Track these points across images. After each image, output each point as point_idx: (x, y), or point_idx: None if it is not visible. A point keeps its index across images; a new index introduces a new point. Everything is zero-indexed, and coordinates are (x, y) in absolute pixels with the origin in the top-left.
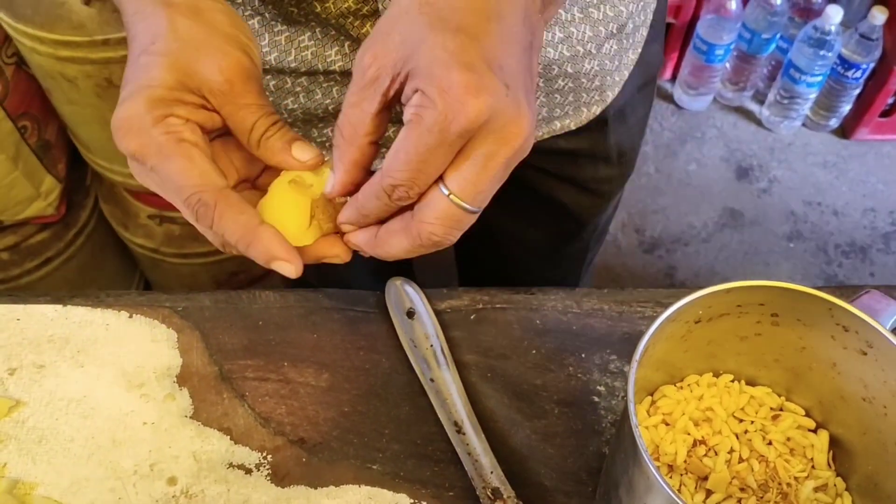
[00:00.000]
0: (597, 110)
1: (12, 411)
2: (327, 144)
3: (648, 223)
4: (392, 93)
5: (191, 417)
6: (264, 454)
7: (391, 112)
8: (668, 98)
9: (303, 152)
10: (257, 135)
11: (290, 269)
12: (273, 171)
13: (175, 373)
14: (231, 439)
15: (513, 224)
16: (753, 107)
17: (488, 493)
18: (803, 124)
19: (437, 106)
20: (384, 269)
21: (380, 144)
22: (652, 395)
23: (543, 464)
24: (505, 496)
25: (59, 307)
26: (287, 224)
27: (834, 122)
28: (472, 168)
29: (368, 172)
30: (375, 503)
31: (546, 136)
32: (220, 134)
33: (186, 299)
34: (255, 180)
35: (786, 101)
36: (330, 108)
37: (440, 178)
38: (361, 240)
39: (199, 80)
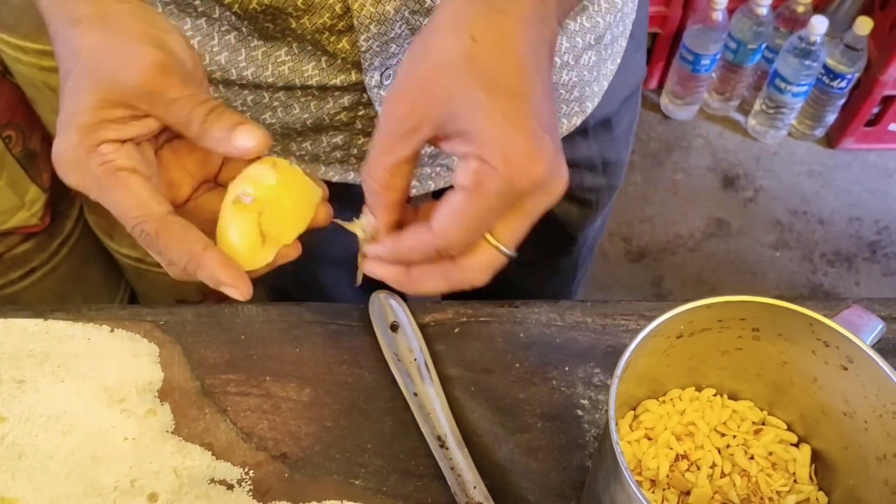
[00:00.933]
0: (577, 121)
1: None
2: (306, 158)
3: (635, 232)
4: (426, 142)
5: (172, 433)
6: (246, 470)
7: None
8: (655, 108)
9: (244, 138)
10: (196, 127)
11: (237, 293)
12: (233, 161)
13: (156, 388)
14: (213, 455)
15: None
16: (739, 116)
17: None
18: (789, 134)
19: (501, 174)
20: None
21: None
22: (634, 409)
23: (526, 478)
24: None
25: (39, 321)
26: (236, 247)
27: (819, 132)
28: (521, 221)
29: (404, 208)
30: None
31: None
32: (169, 139)
33: (168, 313)
34: (217, 177)
35: (771, 111)
36: (308, 122)
37: None
38: (390, 275)
39: (120, 90)
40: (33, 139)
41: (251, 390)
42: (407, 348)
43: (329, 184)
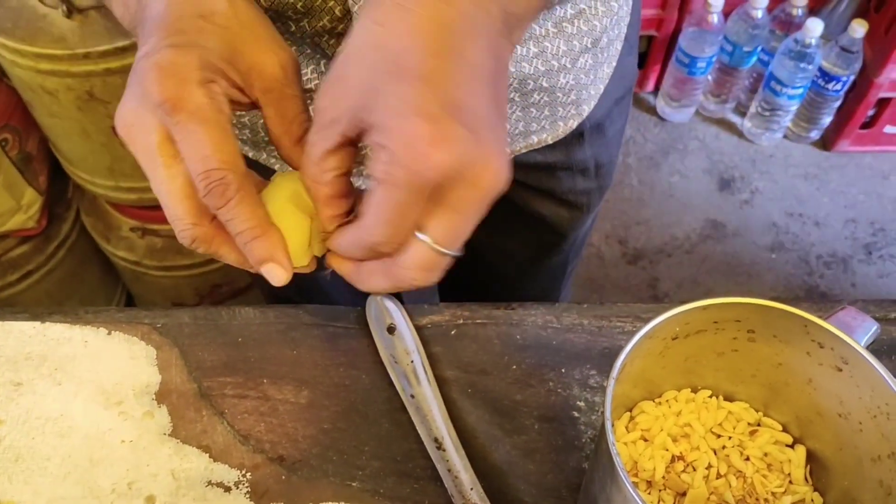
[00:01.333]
0: (573, 124)
1: None
2: None
3: (632, 234)
4: (353, 134)
5: (169, 435)
6: (243, 472)
7: (356, 146)
8: (651, 110)
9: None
10: (297, 129)
11: (283, 276)
12: None
13: (154, 390)
14: (210, 457)
15: (493, 237)
16: (735, 119)
17: None
18: (784, 136)
19: (401, 162)
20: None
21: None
22: (630, 410)
23: (524, 480)
24: None
25: (37, 324)
26: (288, 243)
27: (815, 134)
28: (449, 215)
29: (351, 196)
30: None
31: (524, 151)
32: None
33: (165, 316)
34: None
35: (767, 113)
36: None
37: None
38: (345, 270)
39: (250, 61)
40: (30, 142)
41: (248, 393)
42: (404, 350)
43: None
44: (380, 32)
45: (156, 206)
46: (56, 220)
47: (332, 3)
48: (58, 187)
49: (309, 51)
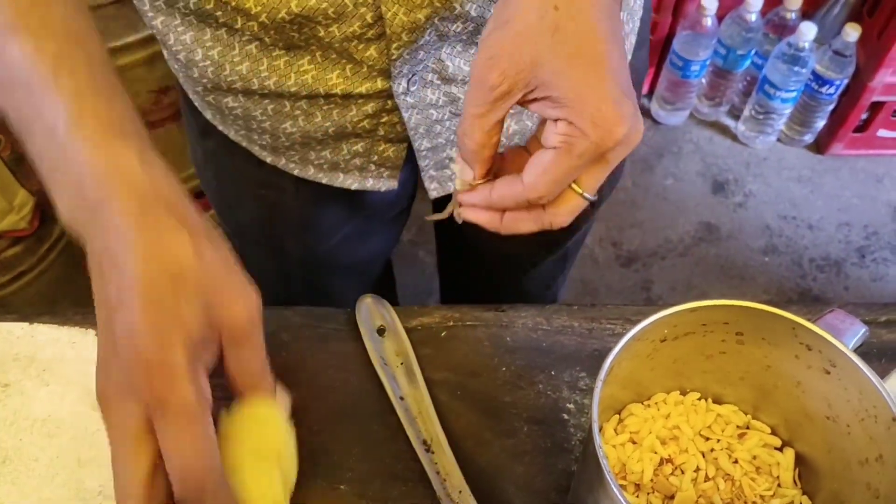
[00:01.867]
0: None
1: None
2: (325, 167)
3: (625, 237)
4: (515, 104)
5: None
6: None
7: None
8: (646, 113)
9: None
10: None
11: None
12: None
13: None
14: None
15: (494, 237)
16: (729, 122)
17: None
18: (778, 139)
19: (590, 137)
20: (367, 283)
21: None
22: (619, 413)
23: (512, 482)
24: None
25: (24, 325)
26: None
27: (808, 138)
28: (602, 171)
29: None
30: None
31: None
32: None
33: None
34: None
35: (761, 117)
36: (330, 130)
37: None
38: (485, 219)
39: (220, 314)
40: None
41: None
42: (394, 352)
43: (345, 192)
44: (555, 15)
45: None
46: (48, 221)
47: (363, 10)
48: None
49: (335, 56)
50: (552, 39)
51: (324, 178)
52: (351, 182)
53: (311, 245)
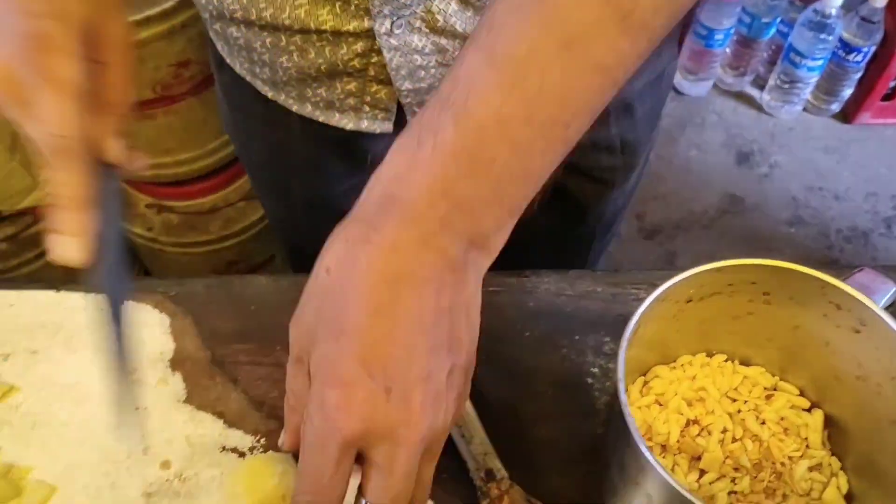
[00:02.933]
0: None
1: (6, 396)
2: (321, 105)
3: (649, 209)
4: None
5: (184, 402)
6: (258, 437)
7: None
8: None
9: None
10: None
11: (74, 255)
12: None
13: (168, 357)
14: (224, 423)
15: None
16: (754, 92)
17: (482, 475)
18: (804, 109)
19: (314, 423)
20: None
21: None
22: (644, 375)
23: (538, 446)
24: (498, 478)
25: (52, 293)
26: None
27: (835, 107)
28: (378, 475)
29: None
30: None
31: None
32: None
33: (178, 285)
34: None
35: (786, 86)
36: (322, 67)
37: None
38: None
39: (104, 26)
40: None
41: (262, 360)
42: None
43: (338, 134)
44: (327, 280)
45: (172, 183)
46: None
47: None
48: None
49: None
50: (319, 304)
51: (321, 117)
52: (346, 122)
53: (317, 190)
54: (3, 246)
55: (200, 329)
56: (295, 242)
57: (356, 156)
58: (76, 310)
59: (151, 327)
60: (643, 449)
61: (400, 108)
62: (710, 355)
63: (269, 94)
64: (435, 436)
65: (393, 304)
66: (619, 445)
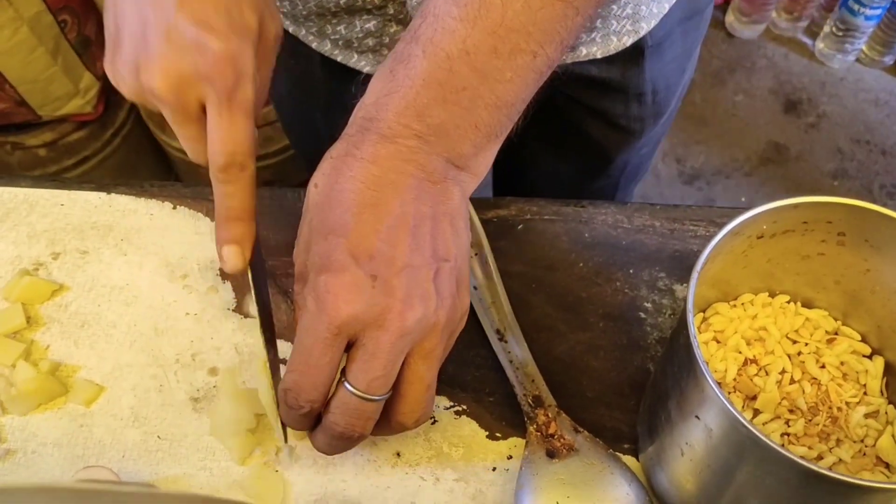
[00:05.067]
0: (627, 41)
1: (55, 295)
2: (340, 43)
3: (690, 154)
4: None
5: (233, 311)
6: None
7: None
8: (720, 25)
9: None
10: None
11: (240, 264)
12: None
13: (218, 266)
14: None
15: (542, 152)
16: (807, 39)
17: (529, 401)
18: (857, 59)
19: (309, 309)
20: None
21: None
22: (704, 311)
23: (586, 375)
24: (546, 404)
25: (102, 195)
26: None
27: (889, 59)
28: (360, 358)
29: None
30: None
31: (570, 62)
32: None
33: None
34: None
35: (841, 34)
36: (342, 2)
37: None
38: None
39: (265, 30)
40: (88, 25)
41: None
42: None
43: (360, 73)
44: (315, 194)
45: None
46: (112, 107)
47: None
48: None
49: None
50: (310, 216)
51: (339, 56)
52: (364, 64)
53: (340, 126)
54: (42, 152)
55: None
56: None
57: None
58: (127, 213)
59: (203, 235)
60: (710, 380)
61: None
62: (772, 296)
63: (290, 29)
64: (425, 331)
65: (375, 205)
66: (681, 377)
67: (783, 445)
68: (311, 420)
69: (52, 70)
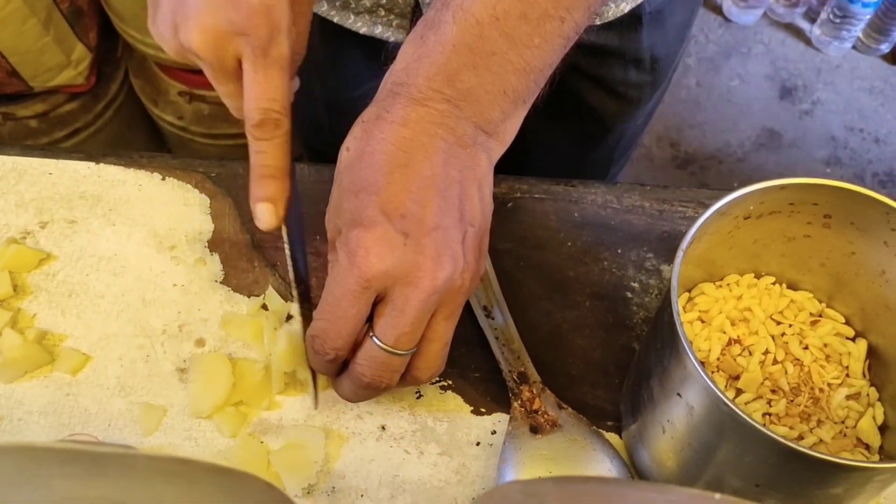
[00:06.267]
0: (625, 7)
1: (43, 264)
2: (337, 4)
3: (684, 138)
4: None
5: (221, 283)
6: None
7: None
8: (717, 9)
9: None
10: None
11: (274, 222)
12: None
13: (206, 238)
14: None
15: (538, 121)
16: (804, 24)
17: (514, 377)
18: (853, 47)
19: (341, 262)
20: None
21: None
22: (689, 291)
23: (572, 354)
24: (531, 381)
25: (91, 164)
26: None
27: (885, 47)
28: (389, 314)
29: None
30: None
31: None
32: None
33: (220, 166)
34: None
35: (838, 21)
36: None
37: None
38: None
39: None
40: None
41: None
42: None
43: (356, 35)
44: (347, 156)
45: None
46: (105, 79)
47: None
48: (107, 45)
49: None
50: (342, 178)
51: (336, 17)
52: (360, 25)
53: (337, 91)
54: (34, 123)
55: (241, 212)
56: (317, 147)
57: (376, 58)
58: (115, 183)
59: (191, 206)
60: (692, 357)
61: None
62: (757, 276)
63: (335, 19)
64: (451, 291)
65: (406, 166)
66: (664, 355)
67: (764, 425)
68: (336, 367)
69: (44, 41)
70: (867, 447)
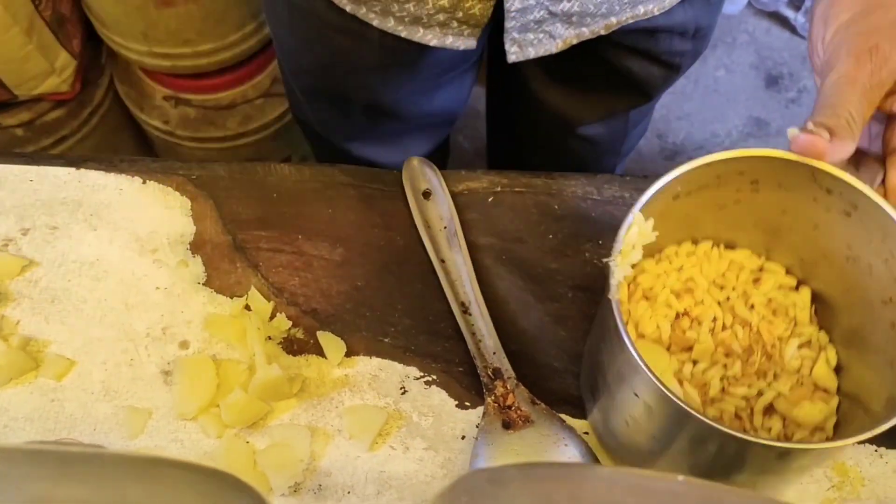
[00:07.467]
0: None
1: (25, 270)
2: (406, 20)
3: (671, 129)
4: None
5: (203, 284)
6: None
7: None
8: None
9: None
10: None
11: None
12: None
13: (188, 240)
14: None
15: (574, 95)
16: (789, 13)
17: (489, 373)
18: None
19: None
20: (429, 141)
21: None
22: (632, 268)
23: (555, 345)
24: (505, 377)
25: (72, 170)
26: None
27: None
28: None
29: None
30: (386, 374)
31: (630, 21)
32: None
33: (201, 168)
34: None
35: None
36: None
37: None
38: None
39: None
40: (63, 3)
41: (283, 247)
42: (437, 216)
43: (424, 47)
44: None
45: (189, 75)
46: (90, 85)
47: None
48: (91, 52)
49: None
50: None
51: (403, 32)
52: (431, 38)
53: (378, 94)
54: (19, 132)
55: (222, 214)
56: (346, 144)
57: (424, 64)
58: (96, 188)
59: (172, 209)
60: (631, 349)
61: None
62: (695, 243)
63: (348, 8)
64: None
65: None
66: (616, 357)
67: (721, 392)
68: None
69: (28, 49)
70: (825, 391)
